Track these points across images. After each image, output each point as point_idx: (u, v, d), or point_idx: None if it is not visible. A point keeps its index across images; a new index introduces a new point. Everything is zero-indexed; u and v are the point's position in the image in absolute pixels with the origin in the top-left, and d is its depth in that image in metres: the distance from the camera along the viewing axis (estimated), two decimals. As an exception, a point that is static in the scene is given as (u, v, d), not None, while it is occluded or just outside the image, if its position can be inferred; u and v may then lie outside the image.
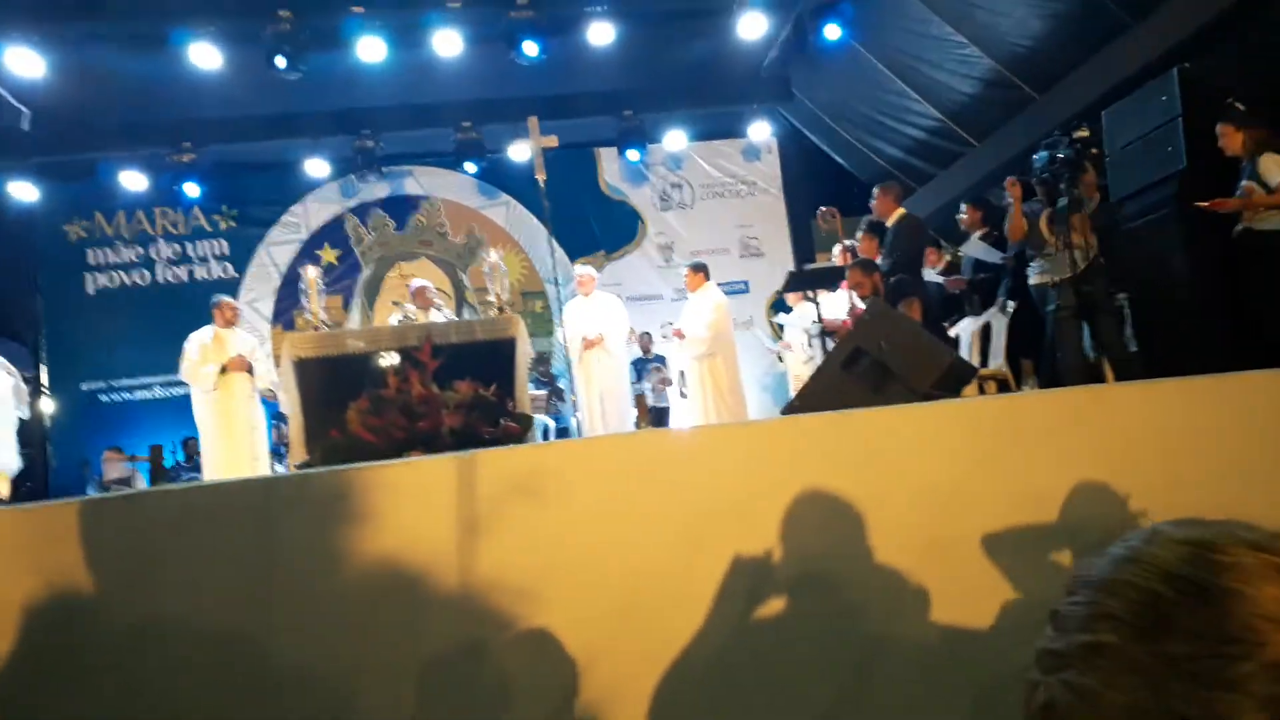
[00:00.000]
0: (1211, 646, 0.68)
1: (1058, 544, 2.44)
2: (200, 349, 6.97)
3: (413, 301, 7.29)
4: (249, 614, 2.18)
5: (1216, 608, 0.69)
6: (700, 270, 7.96)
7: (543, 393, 8.97)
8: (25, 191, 9.54)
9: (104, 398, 9.77)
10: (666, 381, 8.95)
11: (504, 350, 5.11)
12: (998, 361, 5.76)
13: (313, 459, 4.47)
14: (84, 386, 9.75)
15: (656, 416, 8.30)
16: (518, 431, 4.52)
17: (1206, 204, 4.76)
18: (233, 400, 6.89)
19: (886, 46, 8.79)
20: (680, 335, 7.86)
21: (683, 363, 8.31)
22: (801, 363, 7.82)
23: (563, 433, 8.59)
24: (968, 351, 5.91)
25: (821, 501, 2.38)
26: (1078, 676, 0.72)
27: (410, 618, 2.21)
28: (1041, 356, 5.44)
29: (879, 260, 6.26)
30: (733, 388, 7.69)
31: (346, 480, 2.34)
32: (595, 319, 7.84)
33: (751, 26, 8.93)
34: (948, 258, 7.04)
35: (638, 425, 7.19)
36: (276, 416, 7.56)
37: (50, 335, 9.79)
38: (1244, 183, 4.73)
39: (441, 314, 7.25)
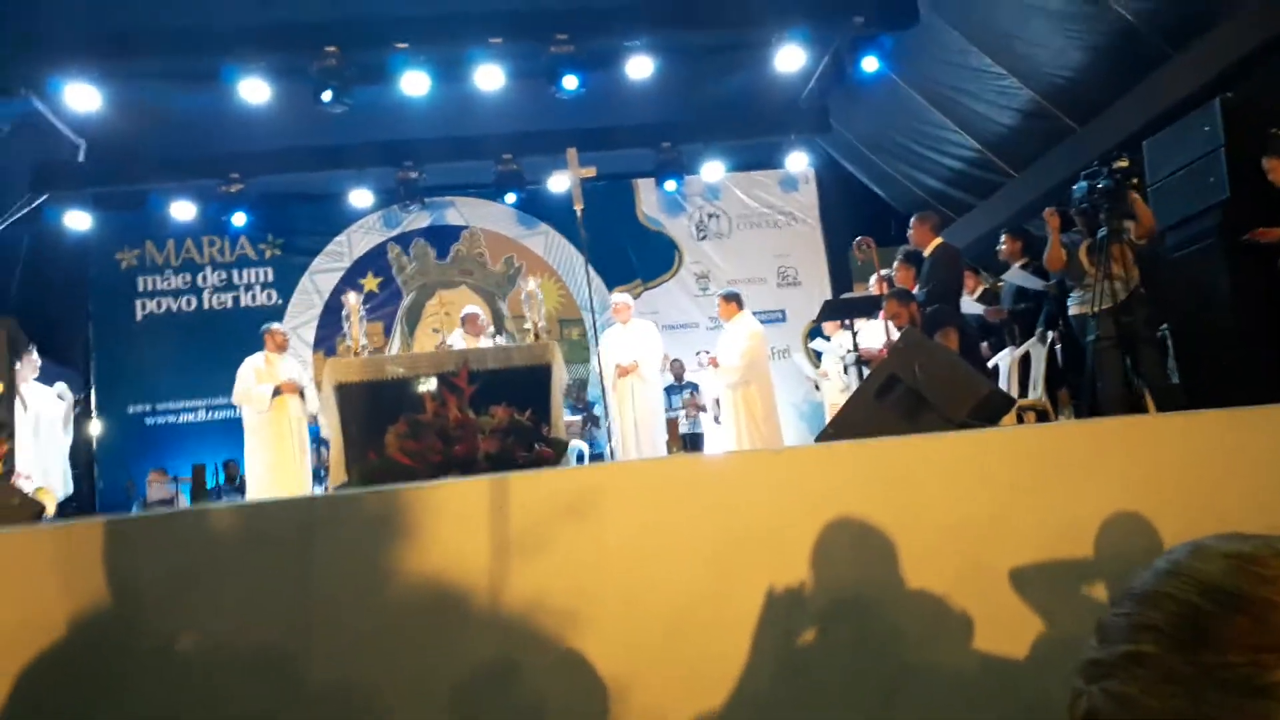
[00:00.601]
0: (1246, 655, 0.70)
1: (1095, 576, 2.41)
2: (255, 371, 7.19)
3: (463, 328, 7.40)
4: (288, 632, 2.22)
5: (1252, 618, 0.71)
6: (733, 299, 7.97)
7: (578, 419, 9.02)
8: (80, 221, 9.82)
9: (149, 420, 9.97)
10: (700, 408, 8.95)
11: (540, 376, 5.16)
12: (1037, 392, 5.69)
13: (351, 481, 4.54)
14: (130, 409, 9.96)
15: (689, 443, 8.29)
16: (552, 456, 4.55)
17: (1250, 235, 4.70)
18: (285, 422, 7.08)
19: (925, 78, 8.81)
20: (715, 363, 7.88)
21: (717, 391, 8.32)
22: (838, 391, 7.78)
23: (597, 458, 8.61)
24: (1006, 382, 5.85)
25: (855, 529, 2.37)
26: (1119, 685, 0.75)
27: (449, 638, 2.23)
28: (1081, 387, 5.37)
29: (915, 290, 6.24)
30: (767, 416, 7.66)
31: (389, 500, 2.38)
32: (631, 346, 7.88)
33: (790, 59, 8.98)
34: (985, 286, 6.98)
35: (669, 450, 7.19)
36: (317, 440, 7.68)
37: (99, 359, 10.03)
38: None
39: (491, 341, 7.36)
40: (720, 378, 7.91)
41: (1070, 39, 7.14)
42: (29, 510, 3.57)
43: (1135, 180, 5.02)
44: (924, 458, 2.51)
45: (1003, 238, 6.62)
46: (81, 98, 8.28)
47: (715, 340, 8.51)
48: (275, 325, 7.62)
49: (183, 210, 10.00)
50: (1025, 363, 5.92)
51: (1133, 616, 0.77)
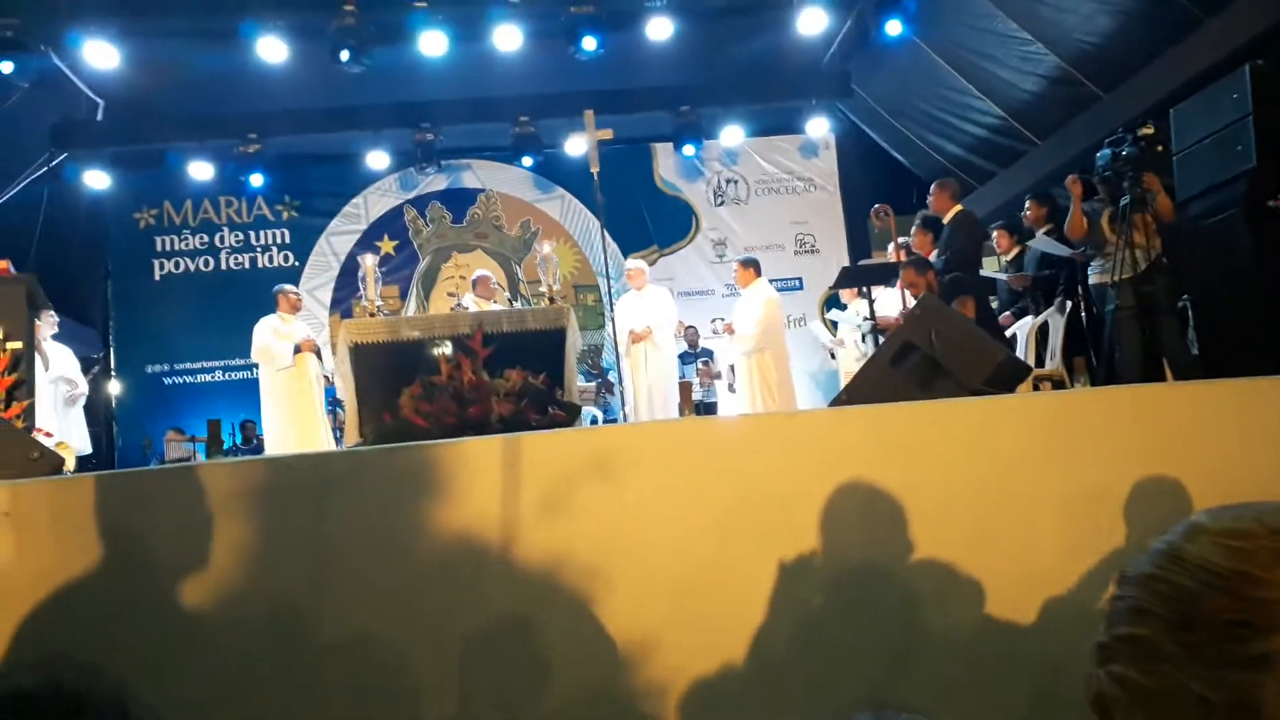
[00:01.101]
0: (1228, 631, 0.73)
1: (1107, 543, 2.40)
2: (274, 331, 7.23)
3: (474, 291, 7.40)
4: (304, 585, 2.25)
5: (1231, 595, 0.74)
6: (751, 266, 7.92)
7: (592, 385, 9.03)
8: (98, 180, 9.85)
9: (167, 380, 10.06)
10: (714, 376, 8.94)
11: (554, 340, 5.16)
12: (1054, 362, 5.66)
13: (366, 442, 4.56)
14: (149, 369, 10.04)
15: (703, 411, 8.30)
16: (565, 420, 4.56)
17: (1276, 202, 4.63)
18: (304, 381, 7.15)
19: (949, 42, 8.66)
20: (730, 330, 7.86)
21: (732, 358, 8.31)
22: (854, 359, 7.75)
23: (610, 425, 8.64)
24: (1024, 351, 5.81)
25: (867, 493, 2.37)
26: (1120, 668, 0.79)
27: (466, 592, 2.25)
28: (1099, 356, 5.33)
29: (933, 256, 6.18)
30: (782, 383, 7.65)
31: (406, 458, 2.39)
32: (645, 313, 7.87)
33: (812, 22, 8.85)
34: (1018, 248, 6.89)
35: (681, 414, 7.20)
36: (332, 401, 7.73)
37: (118, 318, 10.11)
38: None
39: (504, 305, 7.36)
40: (736, 345, 7.89)
41: (1099, 3, 7.00)
42: (49, 464, 3.61)
43: (1160, 148, 4.94)
44: (939, 424, 2.50)
45: (1027, 203, 6.54)
46: (100, 55, 8.26)
47: (731, 308, 8.47)
48: (288, 286, 7.65)
49: (200, 170, 10.01)
50: (1043, 332, 5.88)
51: (1129, 600, 0.80)
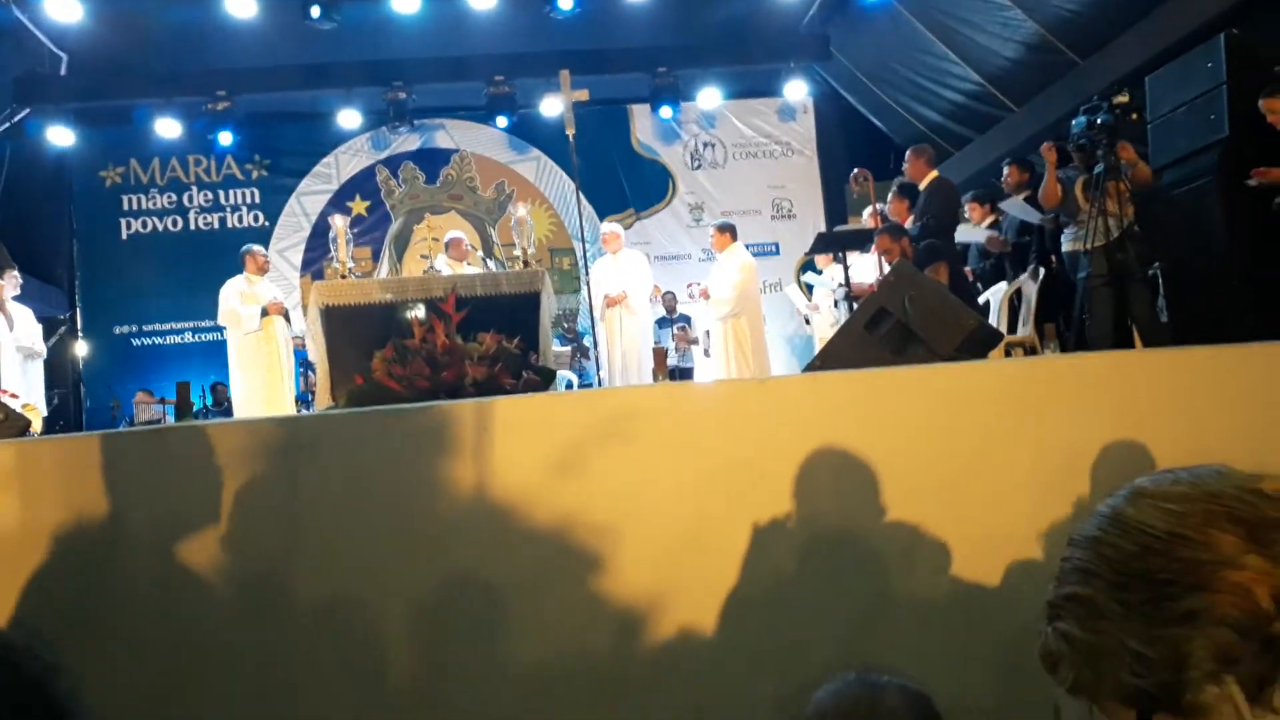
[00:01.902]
0: (1161, 589, 0.77)
1: (1077, 508, 2.43)
2: (239, 294, 7.13)
3: (447, 254, 7.33)
4: (281, 547, 2.23)
5: (1167, 555, 0.78)
6: (727, 230, 7.91)
7: (567, 350, 9.00)
8: (62, 136, 9.62)
9: (135, 341, 9.93)
10: (691, 341, 8.94)
11: (528, 304, 5.13)
12: (1026, 328, 5.70)
13: (338, 406, 4.53)
14: (117, 330, 9.91)
15: (679, 376, 8.30)
16: (539, 385, 4.55)
17: (1255, 173, 4.66)
18: (271, 344, 7.07)
19: (928, 7, 8.61)
20: (706, 295, 7.86)
21: (708, 323, 8.31)
22: (829, 325, 7.78)
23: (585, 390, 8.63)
24: (996, 318, 5.85)
25: (842, 458, 2.38)
26: (1065, 625, 0.83)
27: (437, 554, 2.25)
28: (1070, 323, 5.38)
29: (909, 223, 6.19)
30: (756, 348, 7.68)
31: (377, 422, 2.38)
32: (620, 277, 7.84)
33: (790, -17, 8.77)
34: (993, 217, 6.91)
35: (656, 379, 7.21)
36: (304, 364, 7.66)
37: (85, 279, 9.94)
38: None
39: (477, 267, 7.28)
40: (711, 310, 7.90)
41: (1077, -31, 6.98)
42: (15, 425, 3.57)
43: (1135, 115, 4.95)
44: (912, 390, 2.51)
45: (1006, 168, 6.55)
46: (62, 8, 8.05)
47: (707, 272, 8.46)
48: (255, 247, 7.53)
49: (168, 128, 9.80)
50: (1016, 298, 5.91)
51: (1075, 561, 0.84)
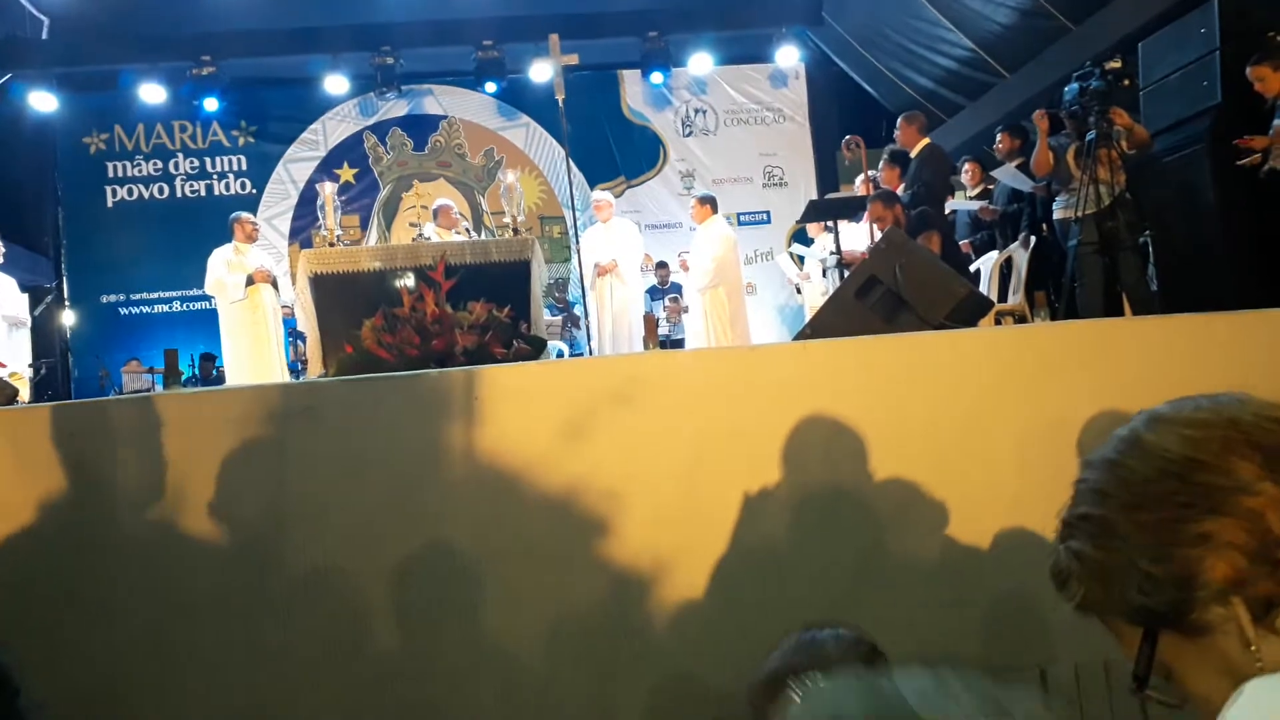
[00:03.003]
0: (1176, 511, 0.79)
1: (1065, 474, 2.45)
2: (226, 263, 7.08)
3: (435, 221, 7.28)
4: (271, 516, 2.24)
5: (1183, 479, 0.80)
6: (708, 202, 7.97)
7: (558, 319, 8.99)
8: (45, 102, 9.49)
9: (123, 310, 9.87)
10: (682, 310, 8.94)
11: (519, 272, 5.11)
12: (1017, 297, 5.71)
13: (328, 374, 4.52)
14: (104, 299, 9.84)
15: (669, 345, 8.31)
16: (530, 354, 4.54)
17: (1239, 142, 4.66)
18: (260, 312, 7.04)
19: (921, -29, 8.54)
20: (685, 266, 7.91)
21: (688, 293, 8.36)
22: (820, 294, 7.77)
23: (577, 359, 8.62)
24: (987, 286, 5.85)
25: (832, 425, 2.39)
26: (1077, 544, 0.85)
27: (423, 522, 2.25)
28: (1060, 291, 5.39)
29: (900, 190, 6.17)
30: (735, 319, 7.72)
31: (372, 389, 2.37)
32: (611, 245, 7.82)
33: (782, -54, 8.67)
34: (984, 185, 6.91)
35: (646, 348, 7.21)
36: (294, 333, 7.63)
37: (70, 247, 9.85)
38: (1276, 122, 4.61)
39: (464, 235, 7.24)
40: (690, 281, 7.95)
41: (1071, -67, 6.91)
42: (4, 394, 3.55)
43: (1127, 81, 4.92)
44: (903, 357, 2.52)
45: (998, 135, 6.52)
46: (42, -30, 7.91)
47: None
48: (244, 214, 7.47)
49: (152, 93, 9.67)
50: (1007, 267, 5.92)
51: (1090, 483, 0.86)
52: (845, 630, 1.38)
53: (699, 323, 7.86)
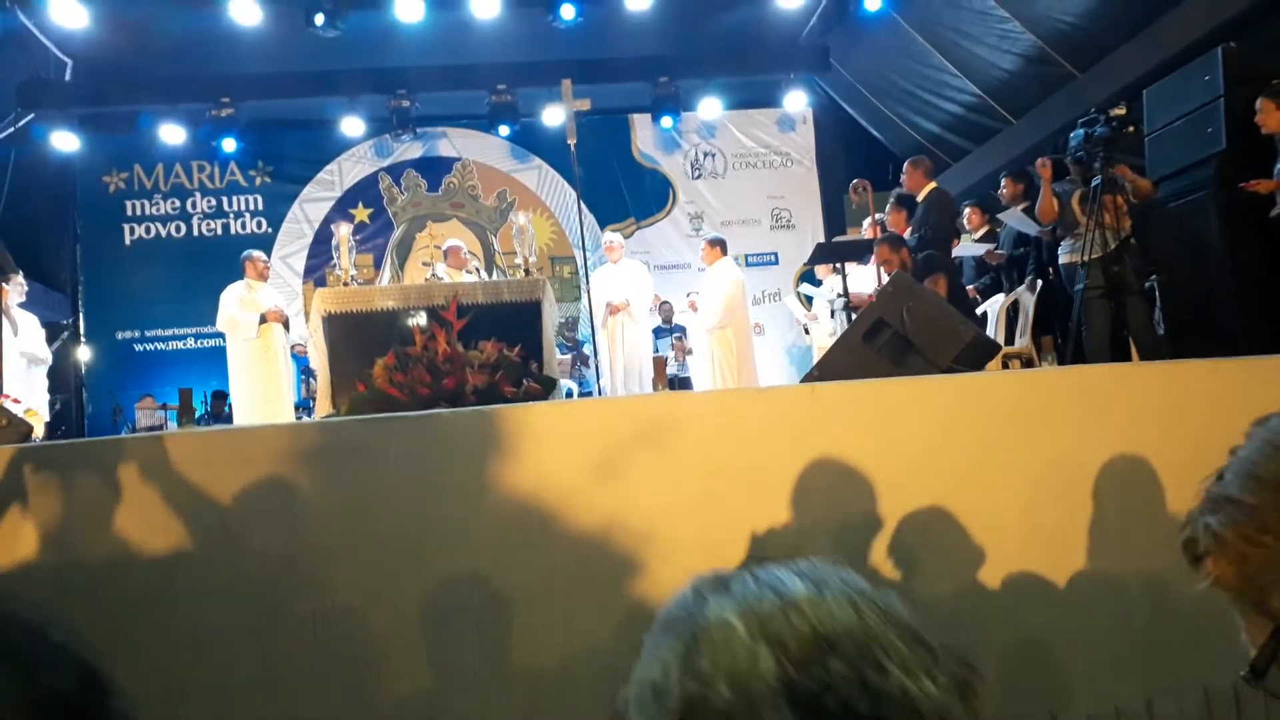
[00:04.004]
0: None
1: (1072, 518, 2.46)
2: (239, 300, 7.16)
3: (445, 261, 7.36)
4: (280, 555, 2.25)
5: None
6: (717, 245, 8.07)
7: (568, 357, 9.03)
8: (66, 142, 9.66)
9: (138, 347, 9.94)
10: (687, 351, 8.97)
11: (529, 312, 5.16)
12: (1023, 340, 5.72)
13: (338, 412, 4.55)
14: (119, 335, 9.92)
15: (677, 386, 8.33)
16: (540, 393, 4.57)
17: (1244, 186, 4.69)
18: (270, 350, 7.10)
19: (927, 19, 8.66)
20: (694, 307, 7.97)
21: (697, 334, 8.41)
22: (827, 335, 7.80)
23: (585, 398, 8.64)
24: (994, 329, 5.87)
25: (840, 468, 2.40)
26: (1218, 524, 0.83)
27: (432, 562, 2.27)
28: (1067, 335, 5.40)
29: (907, 234, 6.22)
30: (743, 361, 7.76)
31: (385, 429, 2.40)
32: (621, 286, 7.88)
33: (791, -5, 8.82)
34: (988, 226, 6.95)
35: (655, 388, 7.24)
36: (305, 371, 7.68)
37: (88, 284, 9.95)
38: (1280, 165, 4.66)
39: (474, 275, 7.31)
40: (699, 321, 7.99)
41: (1076, -18, 7.02)
42: (18, 431, 3.58)
43: (1132, 128, 4.98)
44: (910, 400, 2.54)
45: (1003, 181, 6.58)
46: (68, 13, 8.09)
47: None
48: (256, 252, 7.56)
49: (172, 134, 9.84)
50: (1014, 310, 5.94)
51: (1246, 464, 0.84)
52: None
53: (705, 363, 7.90)
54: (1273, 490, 0.80)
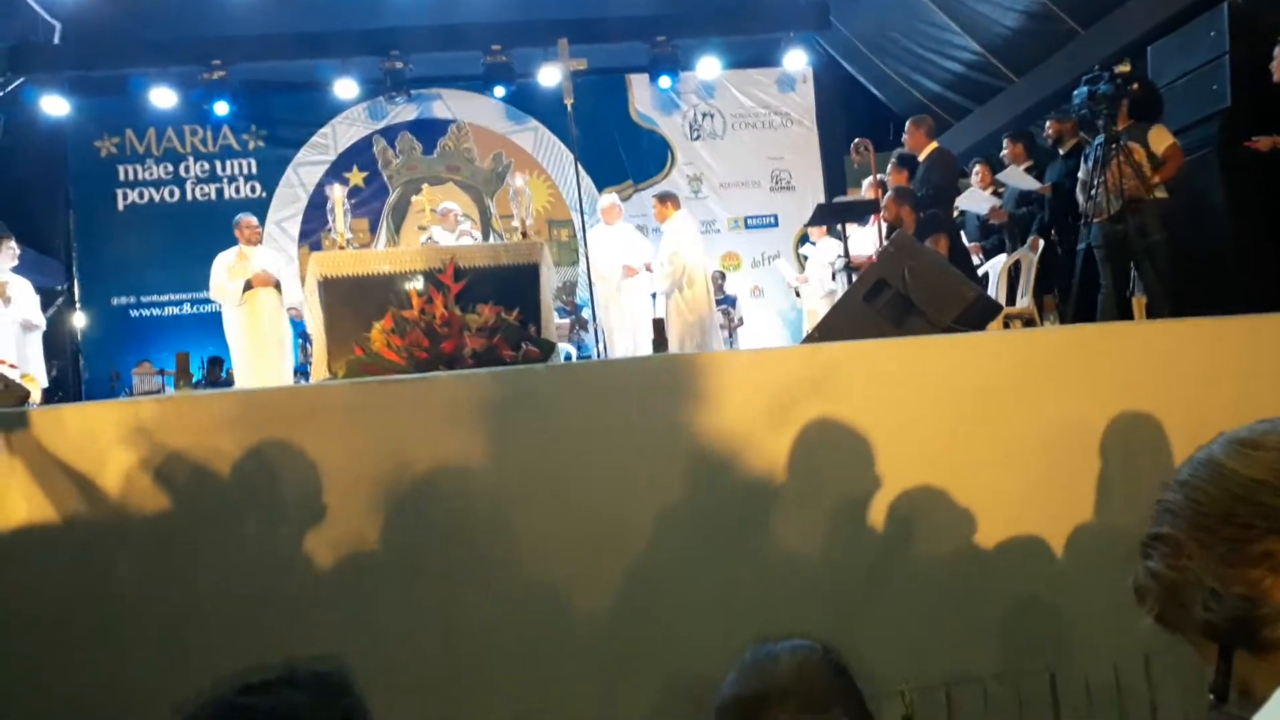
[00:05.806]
0: (1238, 531, 0.82)
1: (1074, 476, 2.44)
2: (227, 268, 7.12)
3: (440, 223, 7.30)
4: (283, 519, 2.24)
5: (1247, 500, 0.82)
6: (668, 200, 7.52)
7: (566, 321, 9.00)
8: (56, 106, 9.54)
9: (134, 313, 9.90)
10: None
11: (527, 275, 5.12)
12: (1025, 300, 5.70)
13: (335, 377, 4.54)
14: (114, 301, 9.87)
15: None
16: (538, 356, 4.56)
17: (1247, 144, 4.65)
18: (261, 314, 7.06)
19: (928, -25, 8.54)
20: (649, 269, 7.56)
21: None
22: (818, 297, 7.76)
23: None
24: (995, 289, 5.84)
25: (842, 428, 2.39)
26: (1153, 563, 0.89)
27: (437, 524, 2.26)
28: (1069, 294, 5.37)
29: (907, 195, 6.16)
30: (700, 322, 7.27)
31: (380, 391, 2.38)
32: (617, 248, 7.78)
33: (790, -49, 8.68)
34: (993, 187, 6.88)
35: (655, 350, 7.15)
36: (302, 335, 7.65)
37: (81, 250, 9.89)
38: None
39: (469, 238, 7.25)
40: (654, 284, 7.53)
41: (1081, -63, 6.90)
42: (14, 396, 3.56)
43: (1136, 85, 4.91)
44: (911, 361, 2.52)
45: (1005, 141, 6.51)
46: (54, -25, 7.95)
47: (705, 245, 8.39)
48: (245, 216, 7.48)
49: (163, 98, 9.72)
50: (1015, 270, 5.91)
51: (1165, 503, 0.90)
52: (802, 643, 1.29)
53: (671, 327, 7.24)
54: (1186, 519, 0.85)
